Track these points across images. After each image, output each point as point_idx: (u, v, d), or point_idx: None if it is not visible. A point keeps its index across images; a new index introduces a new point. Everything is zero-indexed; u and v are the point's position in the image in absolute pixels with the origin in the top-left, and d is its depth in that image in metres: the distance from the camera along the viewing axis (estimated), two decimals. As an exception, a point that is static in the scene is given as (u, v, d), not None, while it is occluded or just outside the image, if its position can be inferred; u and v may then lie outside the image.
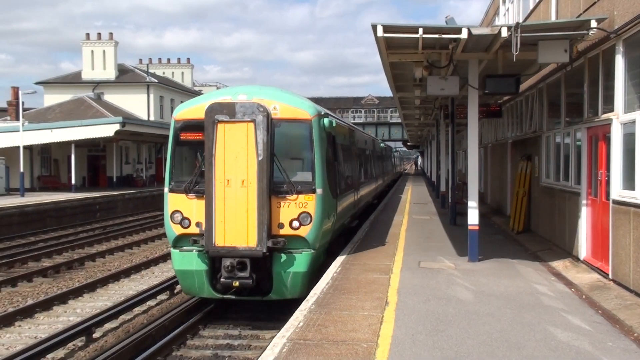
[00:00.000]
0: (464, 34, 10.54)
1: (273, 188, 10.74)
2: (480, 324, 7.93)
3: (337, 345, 7.06)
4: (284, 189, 10.88)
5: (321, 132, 11.46)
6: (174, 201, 11.22)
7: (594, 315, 8.49)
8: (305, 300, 9.14)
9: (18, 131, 34.74)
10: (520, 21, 10.69)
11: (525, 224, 17.07)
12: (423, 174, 78.16)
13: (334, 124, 12.41)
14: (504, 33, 10.34)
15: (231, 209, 10.62)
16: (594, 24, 10.18)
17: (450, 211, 19.57)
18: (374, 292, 9.63)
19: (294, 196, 10.88)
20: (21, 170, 34.33)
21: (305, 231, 10.90)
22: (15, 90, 47.45)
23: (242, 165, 10.62)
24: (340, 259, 12.52)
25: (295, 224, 10.88)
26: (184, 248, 11.18)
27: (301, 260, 10.90)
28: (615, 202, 10.12)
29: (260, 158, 10.53)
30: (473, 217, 12.43)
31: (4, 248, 21.79)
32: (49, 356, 9.93)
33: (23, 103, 37.60)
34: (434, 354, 6.79)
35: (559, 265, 12.19)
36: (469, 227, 12.47)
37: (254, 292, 11.04)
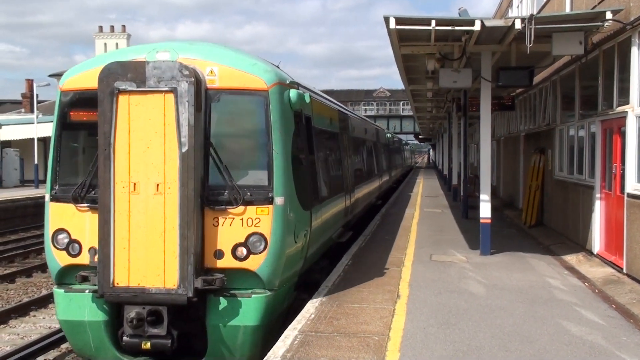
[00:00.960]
0: (477, 26, 10.46)
1: (207, 196, 7.30)
2: (493, 318, 7.90)
3: (349, 337, 7.07)
4: (224, 197, 7.31)
5: (284, 110, 7.79)
6: (58, 215, 7.59)
7: (607, 310, 8.44)
8: (316, 292, 9.15)
9: (32, 123, 35.08)
10: (535, 13, 10.59)
11: (538, 217, 16.97)
12: (435, 167, 77.95)
13: (308, 100, 8.57)
14: (518, 25, 10.25)
15: (139, 229, 7.06)
16: (609, 15, 10.06)
17: (462, 204, 19.50)
18: (386, 285, 9.63)
19: (240, 208, 7.28)
20: (35, 162, 34.67)
21: (256, 263, 7.32)
22: (30, 83, 47.85)
23: (156, 161, 7.07)
24: (351, 250, 12.51)
25: (242, 251, 7.31)
26: (73, 287, 7.52)
27: (251, 308, 7.26)
28: (630, 195, 10.03)
29: (184, 149, 6.99)
30: (485, 210, 12.38)
31: (19, 239, 22.03)
32: (63, 346, 10.03)
33: (37, 95, 37.97)
34: (445, 347, 6.78)
35: (572, 259, 12.12)
36: (481, 220, 12.42)
37: (179, 354, 7.42)
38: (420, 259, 11.90)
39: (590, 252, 12.12)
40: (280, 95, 7.78)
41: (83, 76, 7.72)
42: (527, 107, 19.89)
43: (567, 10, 13.87)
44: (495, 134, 26.30)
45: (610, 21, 10.20)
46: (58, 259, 7.58)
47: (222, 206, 7.31)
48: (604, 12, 10.12)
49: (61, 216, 7.58)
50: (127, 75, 7.06)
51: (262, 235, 7.32)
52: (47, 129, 36.84)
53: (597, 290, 9.59)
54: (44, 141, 38.72)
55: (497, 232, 14.84)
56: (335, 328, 7.42)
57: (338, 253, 12.12)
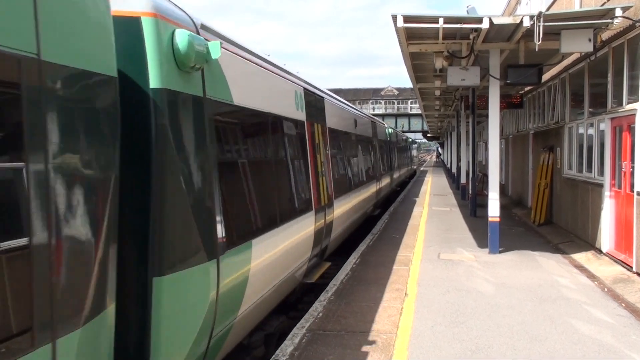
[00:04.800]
0: (485, 24, 10.43)
1: None
2: (501, 316, 7.88)
3: (357, 336, 7.07)
4: None
5: None
6: None
7: (617, 309, 8.39)
8: (324, 291, 9.16)
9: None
10: (543, 10, 10.52)
11: (547, 215, 16.89)
12: (443, 165, 77.77)
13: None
14: (526, 22, 10.20)
15: None
16: (619, 12, 9.99)
17: (471, 203, 19.44)
18: (394, 284, 9.62)
19: None
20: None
21: None
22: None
23: None
24: (359, 249, 12.51)
25: None
26: None
27: None
28: (640, 193, 9.96)
29: None
30: (494, 208, 12.34)
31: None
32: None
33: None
34: (453, 345, 6.77)
35: (581, 257, 12.05)
36: (490, 219, 12.38)
37: None
38: (428, 257, 11.88)
39: (600, 251, 12.05)
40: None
41: None
42: (535, 105, 19.79)
43: (576, 7, 13.79)
44: (503, 132, 26.19)
45: (619, 18, 10.12)
46: None
47: None
48: (613, 9, 10.05)
49: None
50: None
51: None
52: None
53: (606, 289, 9.54)
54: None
55: (506, 231, 14.80)
56: (343, 326, 7.42)
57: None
